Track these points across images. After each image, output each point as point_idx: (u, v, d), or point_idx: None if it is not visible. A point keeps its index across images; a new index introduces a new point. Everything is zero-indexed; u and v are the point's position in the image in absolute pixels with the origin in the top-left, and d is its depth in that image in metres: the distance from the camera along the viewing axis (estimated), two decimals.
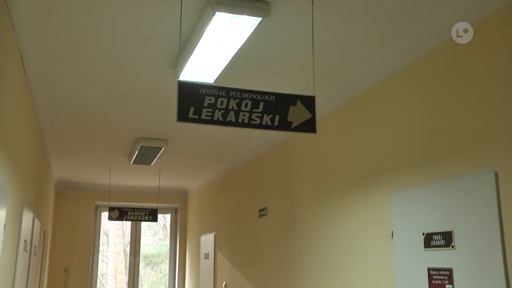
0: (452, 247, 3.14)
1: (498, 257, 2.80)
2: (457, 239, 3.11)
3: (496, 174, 2.87)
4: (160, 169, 8.35)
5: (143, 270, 11.54)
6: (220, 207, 8.37)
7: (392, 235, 3.74)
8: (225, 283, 7.73)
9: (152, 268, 12.36)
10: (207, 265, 8.75)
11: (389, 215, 3.80)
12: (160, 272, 12.07)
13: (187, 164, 8.04)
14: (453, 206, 3.17)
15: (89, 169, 8.37)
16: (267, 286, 6.14)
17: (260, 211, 6.51)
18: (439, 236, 3.26)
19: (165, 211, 10.94)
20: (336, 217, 4.60)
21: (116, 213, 8.56)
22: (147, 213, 8.76)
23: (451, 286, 3.12)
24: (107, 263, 11.98)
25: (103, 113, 5.35)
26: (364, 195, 4.19)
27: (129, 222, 10.59)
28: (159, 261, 12.22)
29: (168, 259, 10.97)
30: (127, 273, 10.48)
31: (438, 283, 3.22)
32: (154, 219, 8.86)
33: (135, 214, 8.66)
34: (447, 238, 3.18)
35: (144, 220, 8.74)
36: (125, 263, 11.19)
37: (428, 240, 3.34)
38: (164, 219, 11.66)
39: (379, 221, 3.94)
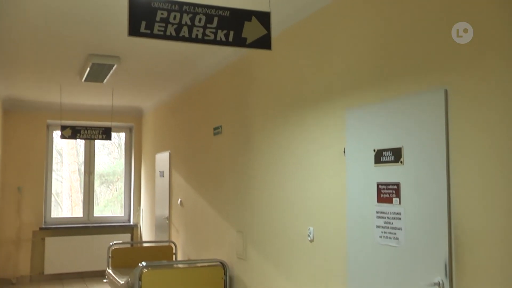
0: (401, 162, 3.25)
1: (442, 171, 2.93)
2: (406, 155, 3.22)
3: (446, 92, 2.94)
4: (113, 88, 8.17)
5: (98, 188, 11.56)
6: (175, 126, 8.35)
7: (344, 152, 3.83)
8: (181, 200, 7.86)
9: (108, 187, 12.41)
10: (162, 183, 8.84)
11: (342, 132, 3.88)
12: (116, 190, 12.13)
13: (141, 83, 7.89)
14: (404, 123, 3.26)
15: (39, 87, 8.11)
16: (222, 202, 6.28)
17: (215, 129, 6.53)
18: (389, 152, 3.36)
19: (119, 129, 10.83)
20: (290, 134, 4.66)
21: (68, 132, 8.41)
22: (101, 131, 8.65)
23: (397, 199, 3.26)
24: (61, 182, 11.93)
25: (52, 27, 5.12)
26: (318, 113, 4.24)
27: (83, 142, 10.48)
28: (114, 180, 12.25)
29: (123, 177, 11.00)
30: (83, 191, 10.49)
31: (386, 197, 3.36)
32: (108, 137, 8.77)
33: (88, 132, 8.54)
34: (397, 154, 3.29)
35: (98, 139, 8.64)
36: (80, 182, 11.18)
37: (379, 156, 3.45)
38: (119, 138, 11.57)
39: (333, 138, 4.02)
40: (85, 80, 7.09)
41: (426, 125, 3.07)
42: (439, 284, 2.92)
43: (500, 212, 2.59)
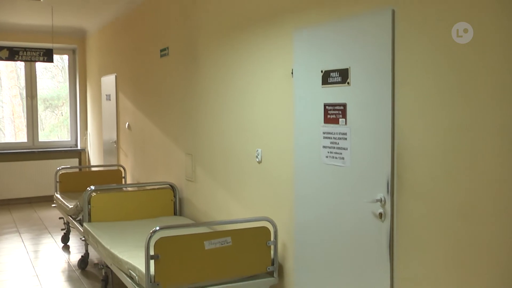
0: (348, 83, 3.27)
1: (387, 92, 2.97)
2: (352, 76, 3.24)
3: (393, 12, 2.92)
4: (53, 6, 7.75)
5: (43, 113, 11.21)
6: (121, 47, 8.07)
7: (292, 73, 3.81)
8: (128, 124, 7.74)
9: (53, 111, 12.05)
10: (109, 107, 8.66)
11: (290, 53, 3.84)
12: (62, 115, 11.82)
13: (83, 1, 7.49)
14: (351, 44, 3.24)
15: None
16: (170, 125, 6.23)
17: (161, 50, 6.36)
18: (336, 73, 3.36)
19: (62, 52, 10.39)
20: (239, 56, 4.59)
21: (5, 53, 8.01)
22: (42, 53, 8.29)
23: (344, 119, 3.31)
24: (2, 107, 11.50)
25: None
26: (266, 33, 4.16)
27: (23, 64, 10.03)
28: (59, 104, 11.90)
29: (68, 101, 10.69)
30: (26, 116, 10.16)
31: (332, 117, 3.40)
32: (50, 59, 8.43)
33: (28, 54, 8.16)
34: (344, 75, 3.30)
35: (39, 61, 8.30)
36: (23, 106, 10.80)
37: (326, 78, 3.45)
38: (62, 61, 11.12)
39: (280, 60, 3.99)
40: None
41: (373, 46, 3.06)
42: (381, 200, 3.04)
43: (439, 131, 2.67)
